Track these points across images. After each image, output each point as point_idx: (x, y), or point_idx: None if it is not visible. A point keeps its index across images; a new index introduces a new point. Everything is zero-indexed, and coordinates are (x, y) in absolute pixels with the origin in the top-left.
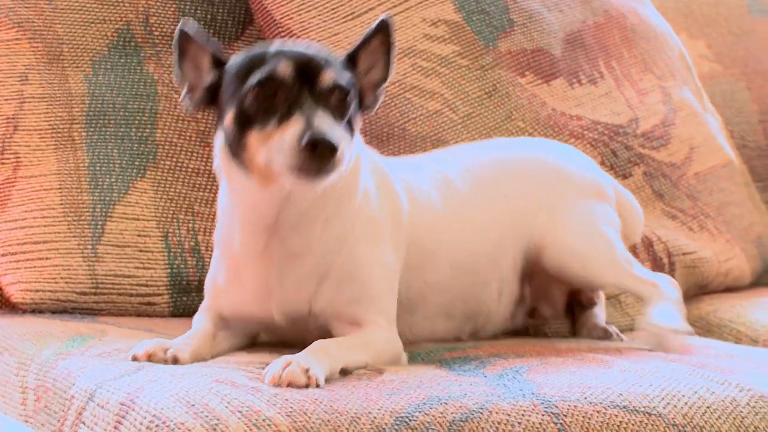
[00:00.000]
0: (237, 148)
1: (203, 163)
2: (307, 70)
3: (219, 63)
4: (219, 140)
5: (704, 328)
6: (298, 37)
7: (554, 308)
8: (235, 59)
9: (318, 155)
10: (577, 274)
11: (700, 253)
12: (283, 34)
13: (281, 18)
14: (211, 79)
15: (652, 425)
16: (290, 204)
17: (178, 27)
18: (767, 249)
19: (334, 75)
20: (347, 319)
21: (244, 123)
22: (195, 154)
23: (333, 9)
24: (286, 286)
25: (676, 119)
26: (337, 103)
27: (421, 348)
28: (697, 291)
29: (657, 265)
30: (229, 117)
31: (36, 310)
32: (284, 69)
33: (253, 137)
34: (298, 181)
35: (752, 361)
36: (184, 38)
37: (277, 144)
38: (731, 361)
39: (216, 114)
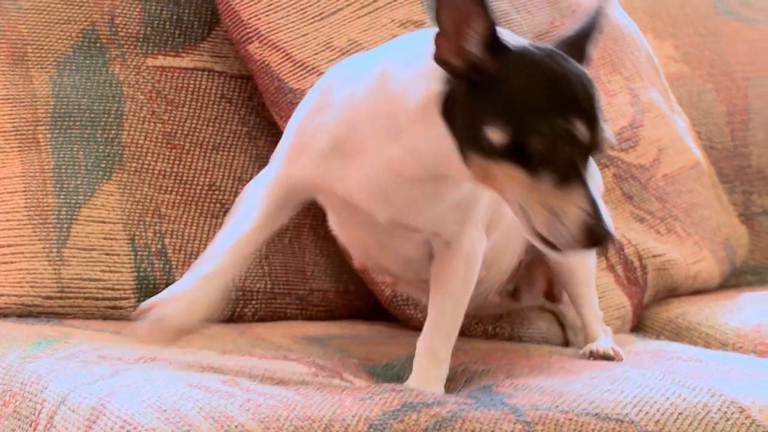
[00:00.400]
0: (473, 149)
1: (170, 165)
2: (598, 134)
3: (495, 43)
4: (425, 88)
5: (673, 331)
6: (266, 37)
7: (534, 293)
8: (523, 62)
9: (594, 244)
10: (565, 270)
11: (669, 256)
12: (250, 34)
13: (249, 18)
14: (485, 65)
15: None
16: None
17: None
18: (735, 251)
19: (611, 138)
20: (447, 237)
21: (514, 152)
22: (161, 156)
23: (302, 9)
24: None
25: (645, 120)
26: None
27: (394, 358)
28: (666, 294)
29: (629, 268)
30: (497, 134)
31: (1, 314)
32: (583, 129)
33: (517, 175)
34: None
35: (722, 367)
36: None
37: (555, 209)
38: (701, 367)
39: (451, 82)
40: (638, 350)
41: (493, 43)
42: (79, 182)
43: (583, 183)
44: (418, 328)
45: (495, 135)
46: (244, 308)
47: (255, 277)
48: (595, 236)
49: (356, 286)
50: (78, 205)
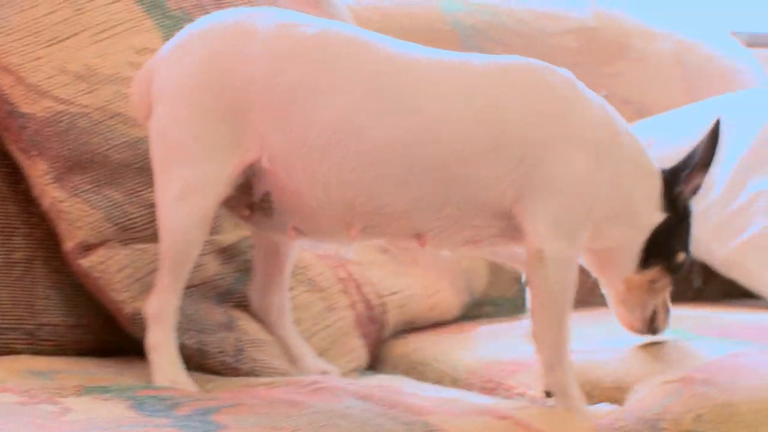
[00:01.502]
0: (657, 263)
1: None
2: None
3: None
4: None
5: (408, 366)
6: None
7: None
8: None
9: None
10: None
11: (409, 291)
12: None
13: None
14: (685, 206)
15: None
16: None
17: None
18: (474, 282)
19: None
20: None
21: (665, 260)
22: None
23: (36, 32)
24: None
25: None
26: None
27: (116, 383)
28: (405, 327)
29: (368, 306)
30: (682, 256)
31: None
32: None
33: (665, 281)
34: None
35: (448, 403)
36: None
37: (646, 303)
38: (425, 402)
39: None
40: (366, 384)
41: (696, 192)
42: None
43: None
44: None
45: (681, 257)
46: None
47: None
48: (655, 331)
49: (89, 320)
50: None
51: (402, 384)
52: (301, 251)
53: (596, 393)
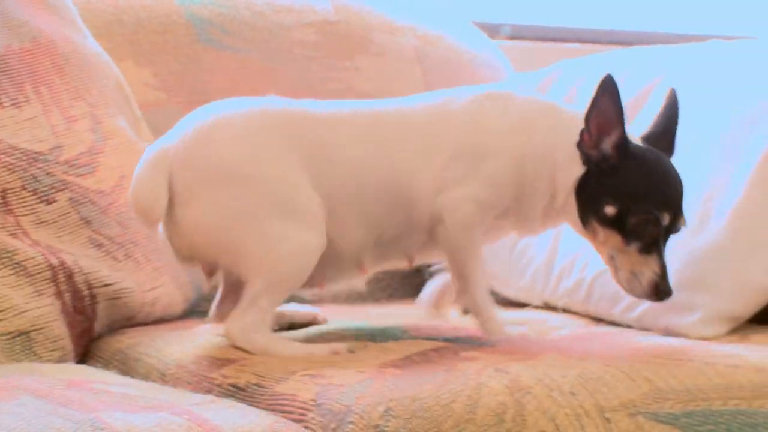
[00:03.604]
0: (592, 217)
1: None
2: (678, 223)
3: (622, 149)
4: (572, 168)
5: (122, 362)
6: None
7: None
8: (637, 165)
9: (658, 298)
10: None
11: (123, 284)
12: None
13: None
14: (611, 161)
15: None
16: None
17: (607, 75)
18: (201, 277)
19: (684, 224)
20: None
21: (617, 223)
22: None
23: None
24: None
25: (106, 147)
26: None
27: None
28: (124, 323)
29: (77, 297)
30: (611, 209)
31: None
32: (667, 219)
33: (616, 239)
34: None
35: (129, 399)
36: (608, 90)
37: (635, 270)
38: (102, 398)
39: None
40: (57, 379)
41: (622, 148)
42: None
43: (660, 253)
44: None
45: (609, 209)
46: None
47: None
48: (661, 293)
49: None
50: None
51: (99, 378)
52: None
53: None
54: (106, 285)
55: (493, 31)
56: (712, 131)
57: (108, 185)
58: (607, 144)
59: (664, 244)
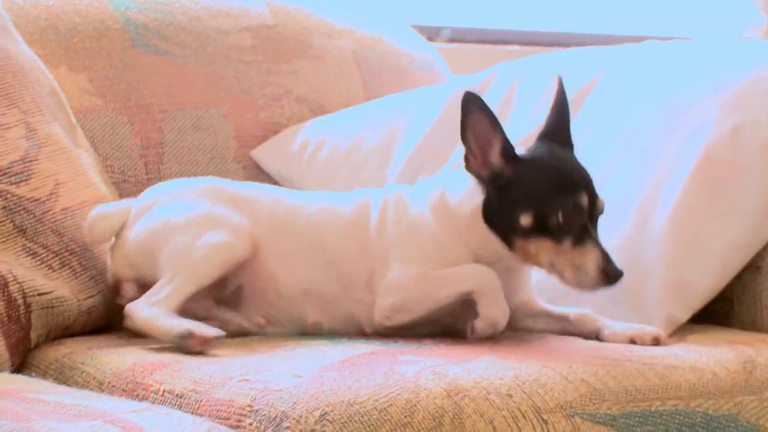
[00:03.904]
0: (513, 235)
1: None
2: (597, 204)
3: (509, 155)
4: (471, 200)
5: (58, 371)
6: None
7: None
8: (532, 164)
9: (610, 282)
10: None
11: (58, 293)
12: None
13: None
14: (505, 172)
15: None
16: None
17: (467, 92)
18: None
19: (604, 203)
20: None
21: (540, 229)
22: None
23: None
24: None
25: (40, 155)
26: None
27: None
28: (61, 332)
29: (11, 306)
30: (527, 218)
31: None
32: (584, 201)
33: (546, 244)
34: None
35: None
36: (474, 106)
37: (576, 263)
38: (36, 408)
39: (490, 190)
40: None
41: (508, 154)
42: None
43: (594, 240)
44: None
45: (524, 219)
46: None
47: None
48: (610, 277)
49: None
50: None
51: (34, 387)
52: None
53: None
54: (41, 294)
55: (432, 33)
56: (648, 131)
57: (43, 193)
58: (495, 155)
59: (595, 230)
